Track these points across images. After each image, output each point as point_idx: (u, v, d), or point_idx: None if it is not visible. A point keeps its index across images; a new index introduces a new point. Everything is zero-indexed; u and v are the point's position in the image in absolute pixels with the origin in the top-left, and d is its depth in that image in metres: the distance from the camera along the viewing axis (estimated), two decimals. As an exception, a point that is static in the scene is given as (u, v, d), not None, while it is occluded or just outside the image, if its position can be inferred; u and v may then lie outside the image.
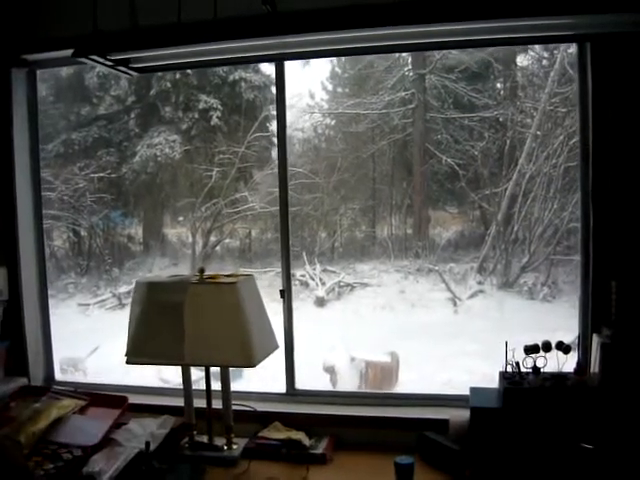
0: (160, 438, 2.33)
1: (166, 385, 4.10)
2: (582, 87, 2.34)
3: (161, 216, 8.60)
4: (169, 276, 2.42)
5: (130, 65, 2.34)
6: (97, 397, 2.54)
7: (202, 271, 2.36)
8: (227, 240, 8.20)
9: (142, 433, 2.35)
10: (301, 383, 2.77)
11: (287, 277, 2.69)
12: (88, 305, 7.71)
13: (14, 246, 2.84)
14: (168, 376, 4.63)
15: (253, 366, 2.20)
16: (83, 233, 8.24)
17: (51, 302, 3.14)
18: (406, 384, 5.69)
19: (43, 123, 7.76)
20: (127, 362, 2.32)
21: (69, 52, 2.27)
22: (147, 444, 2.17)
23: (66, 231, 8.22)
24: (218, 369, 2.38)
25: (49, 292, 3.08)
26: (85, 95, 8.23)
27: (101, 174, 7.88)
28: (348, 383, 5.67)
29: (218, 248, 8.13)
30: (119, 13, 2.36)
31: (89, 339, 6.55)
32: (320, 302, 7.49)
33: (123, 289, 7.77)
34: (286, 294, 2.68)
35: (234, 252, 8.18)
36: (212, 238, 8.06)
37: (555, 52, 6.69)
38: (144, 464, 2.15)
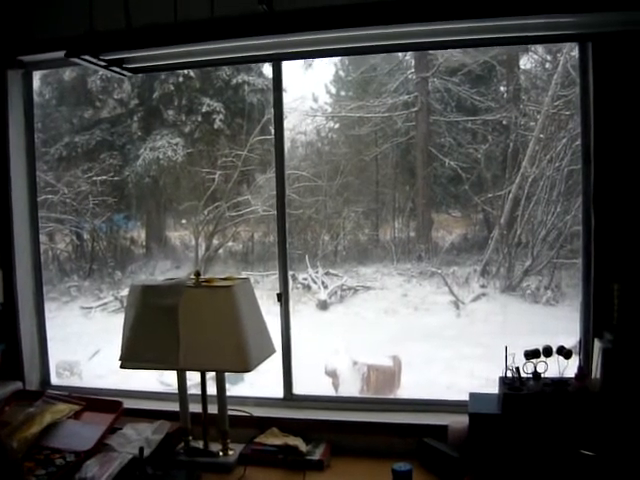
0: (155, 443, 2.31)
1: (167, 388, 4.07)
2: (584, 89, 2.32)
3: (164, 219, 8.61)
4: (164, 279, 2.39)
5: (124, 65, 2.31)
6: (92, 402, 2.52)
7: (198, 274, 2.34)
8: (230, 243, 8.19)
9: (137, 438, 2.32)
10: (303, 387, 2.74)
11: (284, 280, 2.66)
12: (90, 308, 7.69)
13: (9, 249, 2.82)
14: (168, 379, 4.61)
15: (248, 371, 2.18)
16: (86, 236, 8.24)
17: (54, 305, 3.12)
18: (408, 388, 5.66)
19: (46, 126, 7.78)
20: (121, 367, 2.30)
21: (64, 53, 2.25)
22: (141, 450, 2.14)
23: (69, 234, 8.22)
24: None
25: (52, 295, 3.07)
26: (88, 98, 8.23)
27: (104, 177, 7.88)
28: (350, 387, 5.64)
29: (221, 251, 8.11)
30: (115, 14, 2.33)
31: (91, 342, 6.55)
32: (323, 305, 7.47)
33: (125, 292, 7.71)
34: (283, 297, 2.65)
35: (236, 255, 8.16)
36: (215, 241, 8.05)
37: (558, 55, 6.68)
38: (138, 470, 2.12)
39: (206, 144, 7.98)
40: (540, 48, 6.90)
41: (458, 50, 6.75)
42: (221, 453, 2.36)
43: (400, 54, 7.46)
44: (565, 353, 2.12)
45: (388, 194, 8.07)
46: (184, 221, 8.40)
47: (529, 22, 2.11)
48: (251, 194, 7.72)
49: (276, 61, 2.58)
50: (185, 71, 7.46)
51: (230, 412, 2.40)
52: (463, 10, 2.07)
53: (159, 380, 4.81)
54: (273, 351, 2.42)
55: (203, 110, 7.87)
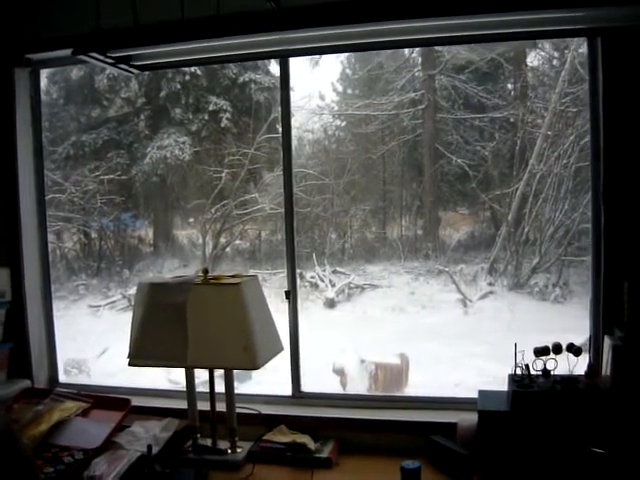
0: (163, 441, 2.31)
1: (175, 386, 4.07)
2: (593, 85, 2.30)
3: (171, 217, 8.60)
4: (172, 277, 2.39)
5: (131, 63, 2.31)
6: (100, 399, 2.52)
7: (206, 272, 2.33)
8: (237, 241, 8.18)
9: (145, 436, 2.33)
10: (310, 385, 2.74)
11: (292, 278, 2.66)
12: (99, 306, 7.71)
13: (17, 247, 2.82)
14: (177, 377, 4.61)
15: (257, 368, 2.17)
16: (94, 235, 8.26)
17: (62, 303, 3.12)
18: (416, 386, 5.66)
19: (54, 125, 7.79)
20: (130, 364, 2.30)
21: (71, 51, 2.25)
22: (149, 447, 2.14)
23: (77, 233, 8.24)
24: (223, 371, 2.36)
25: (60, 293, 3.06)
26: (95, 97, 8.23)
27: (111, 176, 7.88)
28: (358, 385, 5.65)
29: (228, 249, 8.11)
30: (122, 11, 2.32)
31: (99, 340, 6.57)
32: (330, 303, 7.47)
33: (133, 290, 7.71)
34: (291, 295, 2.64)
35: (244, 253, 8.15)
36: (222, 239, 8.05)
37: (566, 52, 6.64)
38: (146, 468, 2.12)
39: (213, 142, 7.97)
40: (547, 45, 6.87)
41: (465, 47, 6.73)
42: (229, 451, 2.36)
43: (407, 52, 7.45)
44: (575, 350, 2.11)
45: (395, 192, 8.06)
46: (192, 219, 8.41)
47: (537, 17, 2.09)
48: (258, 192, 7.71)
49: (283, 58, 2.58)
50: (192, 69, 7.45)
51: (238, 410, 2.40)
52: (471, 5, 2.06)
53: (167, 378, 4.81)
54: (281, 349, 2.42)
55: (210, 108, 7.87)
